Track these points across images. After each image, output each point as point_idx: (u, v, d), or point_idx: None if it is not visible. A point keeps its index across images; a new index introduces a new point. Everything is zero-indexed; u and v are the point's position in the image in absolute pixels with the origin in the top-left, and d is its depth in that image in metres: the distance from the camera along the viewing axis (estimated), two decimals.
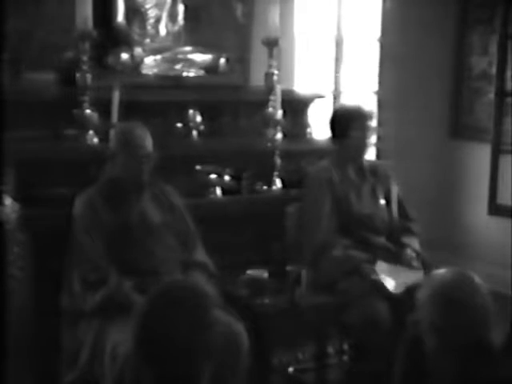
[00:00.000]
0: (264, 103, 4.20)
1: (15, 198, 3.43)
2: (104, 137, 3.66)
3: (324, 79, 5.89)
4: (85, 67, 3.80)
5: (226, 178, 3.98)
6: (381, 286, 3.39)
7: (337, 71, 5.75)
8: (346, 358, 3.86)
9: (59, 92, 4.09)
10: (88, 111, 3.80)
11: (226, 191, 3.96)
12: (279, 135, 4.18)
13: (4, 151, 3.23)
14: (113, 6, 4.49)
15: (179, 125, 4.17)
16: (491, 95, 5.24)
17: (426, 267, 3.50)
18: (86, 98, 3.80)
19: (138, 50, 4.48)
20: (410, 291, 3.02)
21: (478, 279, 2.12)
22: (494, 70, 5.22)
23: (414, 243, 3.67)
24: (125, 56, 4.41)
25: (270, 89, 4.20)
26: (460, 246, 5.29)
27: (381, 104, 5.54)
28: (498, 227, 5.13)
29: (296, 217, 3.78)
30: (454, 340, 2.06)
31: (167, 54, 4.57)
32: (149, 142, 3.24)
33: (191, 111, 4.15)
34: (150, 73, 4.48)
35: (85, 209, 3.17)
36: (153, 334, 1.74)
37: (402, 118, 5.41)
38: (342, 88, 5.74)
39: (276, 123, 4.17)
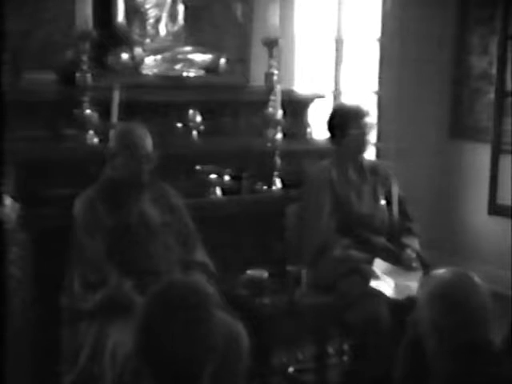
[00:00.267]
0: (264, 103, 4.20)
1: (15, 198, 3.43)
2: (104, 137, 3.66)
3: (324, 79, 5.89)
4: (85, 67, 3.81)
5: (226, 178, 3.98)
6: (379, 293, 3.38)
7: (337, 71, 5.76)
8: (345, 358, 3.86)
9: (59, 92, 4.10)
10: (88, 111, 3.80)
11: (226, 191, 3.96)
12: (279, 135, 4.18)
13: (4, 151, 3.22)
14: (113, 5, 4.50)
15: (179, 125, 4.18)
16: (491, 95, 5.24)
17: (425, 268, 3.49)
18: (86, 98, 3.80)
19: (138, 50, 4.48)
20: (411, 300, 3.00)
21: (477, 279, 2.12)
22: (494, 70, 5.22)
23: (414, 243, 3.66)
24: (125, 56, 4.42)
25: (270, 89, 4.20)
26: (460, 246, 5.29)
27: (381, 104, 5.54)
28: (498, 227, 5.13)
29: (296, 217, 3.78)
30: (453, 340, 2.06)
31: (167, 54, 4.57)
32: (149, 142, 3.23)
33: (191, 111, 4.16)
34: (150, 73, 4.48)
35: (85, 209, 3.17)
36: (153, 333, 1.74)
37: (402, 118, 5.41)
38: (342, 88, 5.74)
39: (276, 123, 4.17)
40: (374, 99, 5.58)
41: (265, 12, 4.27)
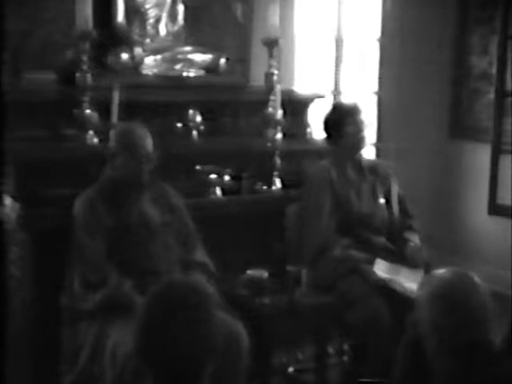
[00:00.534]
0: (264, 103, 4.20)
1: (15, 198, 3.43)
2: (104, 137, 3.66)
3: (324, 79, 5.89)
4: (85, 67, 3.80)
5: (226, 178, 3.98)
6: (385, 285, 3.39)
7: (337, 71, 5.75)
8: (345, 358, 3.86)
9: (59, 92, 4.09)
10: (88, 111, 3.80)
11: (226, 191, 3.96)
12: (279, 135, 4.18)
13: (4, 151, 3.22)
14: (113, 5, 4.50)
15: (179, 125, 4.18)
16: (491, 95, 5.23)
17: (426, 266, 3.50)
18: (86, 98, 3.80)
19: (137, 50, 4.48)
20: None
21: (477, 279, 2.12)
22: (494, 70, 5.22)
23: (415, 239, 3.67)
24: (125, 56, 4.42)
25: (270, 89, 4.20)
26: (460, 246, 5.29)
27: (381, 104, 5.54)
28: (498, 227, 5.12)
29: (296, 217, 3.78)
30: (453, 340, 2.06)
31: (167, 54, 4.57)
32: (149, 142, 3.23)
33: (191, 111, 4.16)
34: (150, 73, 4.48)
35: (85, 209, 3.17)
36: (153, 333, 1.74)
37: (401, 118, 5.41)
38: (342, 88, 5.74)
39: (276, 123, 4.17)
40: (374, 99, 5.58)
41: (265, 12, 4.27)
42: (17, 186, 3.49)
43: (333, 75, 5.78)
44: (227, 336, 1.88)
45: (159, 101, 4.21)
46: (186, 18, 4.75)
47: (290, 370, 3.82)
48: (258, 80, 4.62)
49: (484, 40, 5.32)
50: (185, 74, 4.54)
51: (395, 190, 3.78)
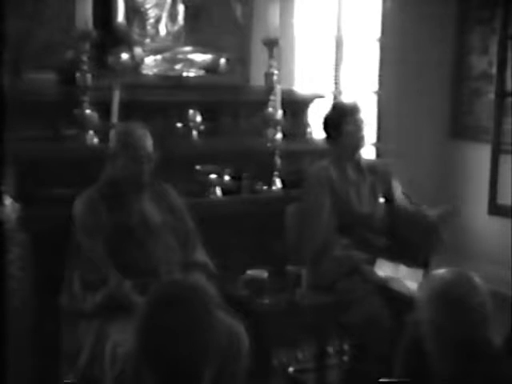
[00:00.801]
0: (264, 103, 4.20)
1: (15, 198, 3.43)
2: (104, 137, 3.66)
3: (324, 79, 5.89)
4: (85, 67, 3.80)
5: (226, 178, 3.97)
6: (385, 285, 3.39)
7: (337, 71, 5.75)
8: (345, 358, 3.86)
9: (59, 92, 4.09)
10: (88, 111, 3.80)
11: (226, 191, 3.96)
12: (279, 135, 4.18)
13: (4, 151, 3.22)
14: (113, 5, 4.50)
15: (179, 125, 4.17)
16: (491, 95, 5.24)
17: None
18: (86, 98, 3.80)
19: (138, 50, 4.48)
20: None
21: (478, 279, 2.12)
22: (494, 70, 5.22)
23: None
24: (125, 56, 4.41)
25: (270, 89, 4.20)
26: (460, 246, 5.29)
27: (381, 104, 5.54)
28: (498, 227, 5.13)
29: (296, 217, 3.78)
30: (453, 340, 2.07)
31: (167, 54, 4.57)
32: (149, 143, 3.23)
33: (191, 111, 4.15)
34: (150, 73, 4.48)
35: (85, 209, 3.17)
36: (153, 333, 1.74)
37: (402, 118, 5.41)
38: (342, 88, 5.74)
39: (276, 123, 4.17)
40: (374, 99, 5.58)
41: (265, 12, 4.27)
42: (17, 186, 3.49)
43: (333, 75, 5.79)
44: (227, 336, 1.88)
45: (159, 101, 4.20)
46: (185, 18, 4.75)
47: (290, 369, 3.82)
48: (258, 80, 4.62)
49: (484, 40, 5.32)
50: (185, 74, 4.54)
51: (396, 185, 3.78)
